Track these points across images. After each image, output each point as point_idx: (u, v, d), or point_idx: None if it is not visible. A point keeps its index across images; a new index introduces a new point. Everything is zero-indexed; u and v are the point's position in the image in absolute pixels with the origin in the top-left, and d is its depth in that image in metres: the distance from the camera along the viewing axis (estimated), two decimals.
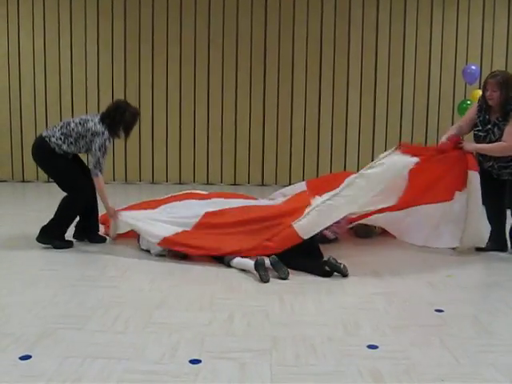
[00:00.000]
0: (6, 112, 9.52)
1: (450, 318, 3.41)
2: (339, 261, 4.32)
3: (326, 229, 5.36)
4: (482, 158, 5.03)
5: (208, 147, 9.49)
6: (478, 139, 5.02)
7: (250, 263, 4.27)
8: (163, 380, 2.55)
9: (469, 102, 8.26)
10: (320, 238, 5.36)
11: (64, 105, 9.47)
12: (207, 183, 9.43)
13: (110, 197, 5.13)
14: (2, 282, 4.01)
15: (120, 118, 5.08)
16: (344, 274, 4.27)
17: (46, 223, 5.06)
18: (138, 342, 2.96)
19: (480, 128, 4.98)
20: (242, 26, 9.31)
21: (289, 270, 4.22)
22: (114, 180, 9.39)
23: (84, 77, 9.43)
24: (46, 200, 8.16)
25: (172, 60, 9.40)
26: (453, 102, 9.23)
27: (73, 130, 5.05)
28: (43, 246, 5.02)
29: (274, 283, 4.08)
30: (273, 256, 4.32)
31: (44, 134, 5.17)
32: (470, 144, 5.01)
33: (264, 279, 4.09)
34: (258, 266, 4.17)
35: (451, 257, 4.98)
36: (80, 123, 5.07)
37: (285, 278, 4.18)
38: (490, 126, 4.91)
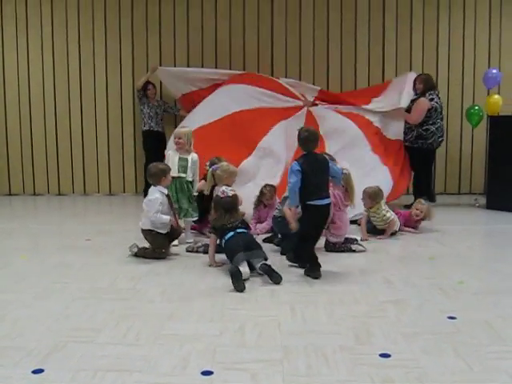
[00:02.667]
0: (16, 123, 9.58)
1: (463, 325, 3.38)
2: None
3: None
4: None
5: None
6: None
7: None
8: None
9: (477, 108, 8.19)
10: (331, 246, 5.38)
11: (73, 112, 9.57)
12: None
13: None
14: (15, 294, 4.02)
15: None
16: (275, 282, 4.29)
17: None
18: (150, 354, 2.96)
19: None
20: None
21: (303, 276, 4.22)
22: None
23: (92, 88, 9.51)
24: (58, 213, 8.21)
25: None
26: (461, 107, 9.18)
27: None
28: (55, 258, 5.07)
29: (285, 293, 4.07)
30: (264, 262, 4.39)
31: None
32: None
33: (238, 289, 4.09)
34: (233, 275, 4.18)
35: (461, 262, 4.96)
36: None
37: (278, 283, 4.24)
38: None
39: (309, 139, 4.59)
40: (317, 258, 4.55)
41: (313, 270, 4.51)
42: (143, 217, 5.25)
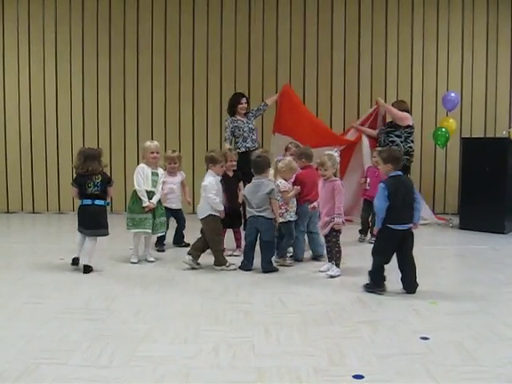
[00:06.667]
0: None
1: (436, 346, 3.41)
2: None
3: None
4: None
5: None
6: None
7: None
8: None
9: (444, 130, 8.34)
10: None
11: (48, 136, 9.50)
12: None
13: None
14: None
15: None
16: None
17: None
18: (123, 376, 2.94)
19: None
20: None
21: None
22: None
23: (68, 105, 9.47)
24: (31, 231, 8.12)
25: (156, 93, 9.49)
26: (435, 128, 9.31)
27: None
28: (28, 278, 5.02)
29: (259, 313, 4.07)
30: None
31: None
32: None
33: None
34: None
35: (434, 283, 5.00)
36: None
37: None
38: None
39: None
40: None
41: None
42: (200, 206, 5.54)
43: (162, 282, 5.01)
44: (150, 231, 5.75)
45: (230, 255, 5.89)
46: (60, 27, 9.38)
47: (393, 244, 4.62)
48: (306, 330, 3.69)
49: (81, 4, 9.35)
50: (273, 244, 5.48)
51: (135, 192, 5.74)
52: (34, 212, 9.52)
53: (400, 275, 4.67)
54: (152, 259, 5.79)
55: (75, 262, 5.43)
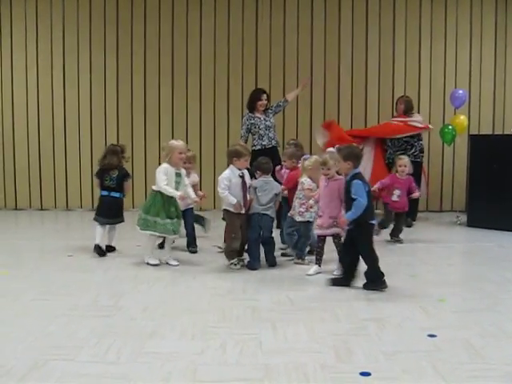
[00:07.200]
0: None
1: (443, 343, 3.40)
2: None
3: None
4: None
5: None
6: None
7: None
8: None
9: (450, 127, 8.31)
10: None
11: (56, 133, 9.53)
12: None
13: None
14: None
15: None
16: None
17: None
18: (130, 372, 2.95)
19: None
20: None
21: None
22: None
23: (76, 101, 9.50)
24: (40, 228, 8.15)
25: (164, 90, 9.50)
26: (443, 125, 9.26)
27: None
28: (36, 275, 5.04)
29: (266, 310, 4.07)
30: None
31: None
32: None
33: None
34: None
35: (442, 280, 5.00)
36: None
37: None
38: None
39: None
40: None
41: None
42: None
43: (169, 279, 5.02)
44: (170, 235, 5.50)
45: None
46: (67, 25, 9.39)
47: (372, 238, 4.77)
48: (313, 327, 3.69)
49: (88, 2, 9.36)
50: (273, 238, 5.56)
51: (154, 194, 5.43)
52: (41, 209, 9.57)
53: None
54: (175, 263, 5.55)
55: (108, 249, 6.06)
